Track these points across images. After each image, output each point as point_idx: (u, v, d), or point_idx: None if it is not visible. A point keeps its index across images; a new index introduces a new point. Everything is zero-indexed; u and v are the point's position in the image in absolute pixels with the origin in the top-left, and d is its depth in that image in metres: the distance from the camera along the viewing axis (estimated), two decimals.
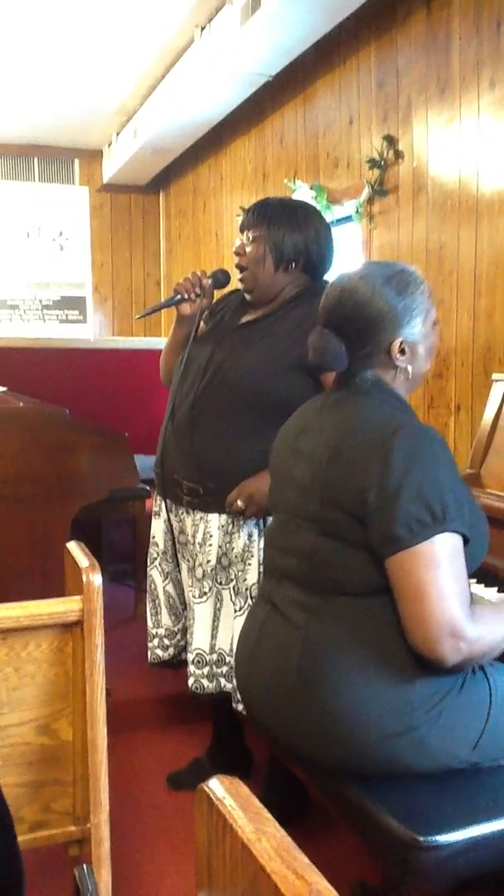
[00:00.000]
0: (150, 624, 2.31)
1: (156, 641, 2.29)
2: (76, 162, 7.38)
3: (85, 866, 1.08)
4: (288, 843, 0.67)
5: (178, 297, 2.17)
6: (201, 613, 2.09)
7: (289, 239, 2.06)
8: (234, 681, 1.89)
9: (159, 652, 2.29)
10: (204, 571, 2.08)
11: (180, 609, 2.26)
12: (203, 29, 4.56)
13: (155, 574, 2.29)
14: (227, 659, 2.08)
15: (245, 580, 2.06)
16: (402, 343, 1.49)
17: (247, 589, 2.05)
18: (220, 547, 2.08)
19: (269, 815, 0.71)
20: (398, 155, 3.56)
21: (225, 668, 2.09)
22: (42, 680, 1.45)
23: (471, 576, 1.89)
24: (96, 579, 1.44)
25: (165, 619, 2.28)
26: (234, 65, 4.37)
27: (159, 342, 4.23)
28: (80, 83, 5.53)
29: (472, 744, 1.39)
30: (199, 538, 2.10)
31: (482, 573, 1.92)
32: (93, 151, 7.28)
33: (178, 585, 2.25)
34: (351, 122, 4.00)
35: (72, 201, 7.34)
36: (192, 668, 2.11)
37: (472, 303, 3.13)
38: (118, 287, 7.57)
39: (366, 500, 1.36)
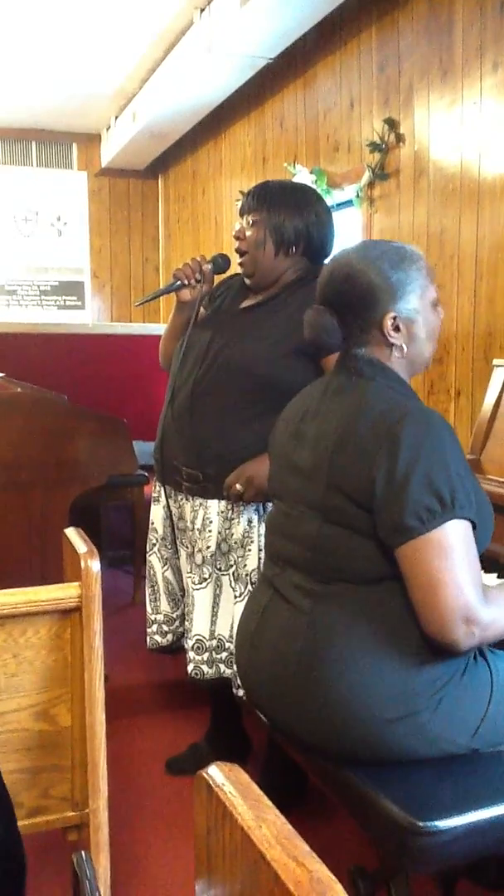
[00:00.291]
0: (148, 610, 2.31)
1: (154, 627, 2.29)
2: (74, 146, 7.33)
3: (83, 852, 1.08)
4: (288, 830, 0.66)
5: (178, 283, 2.15)
6: (201, 599, 2.09)
7: (289, 222, 2.04)
8: (234, 666, 1.89)
9: (158, 638, 2.29)
10: (203, 557, 2.08)
11: (179, 595, 2.26)
12: (202, 11, 4.52)
13: (154, 560, 2.29)
14: (227, 645, 2.08)
15: (245, 566, 2.05)
16: (395, 318, 1.47)
17: (247, 575, 2.05)
18: (219, 533, 2.07)
19: (269, 803, 0.71)
20: (399, 138, 3.53)
21: (224, 654, 2.09)
22: (40, 666, 1.45)
23: None
24: (95, 565, 1.43)
25: (164, 605, 2.27)
26: (234, 47, 4.33)
27: (158, 328, 4.22)
28: (78, 67, 5.49)
29: (473, 730, 1.39)
30: (198, 524, 2.09)
31: (483, 559, 1.91)
32: (91, 136, 7.23)
33: (178, 572, 2.25)
34: (352, 106, 3.96)
35: (70, 186, 7.30)
36: (191, 654, 2.11)
37: (472, 287, 3.12)
38: (116, 272, 7.54)
39: (373, 489, 1.34)
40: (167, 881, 1.93)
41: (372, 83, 3.76)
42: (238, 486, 1.97)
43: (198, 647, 2.10)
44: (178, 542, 2.22)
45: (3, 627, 1.41)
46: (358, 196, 3.83)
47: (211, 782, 0.74)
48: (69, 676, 1.47)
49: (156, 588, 2.29)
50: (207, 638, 2.10)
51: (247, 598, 1.89)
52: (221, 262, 2.20)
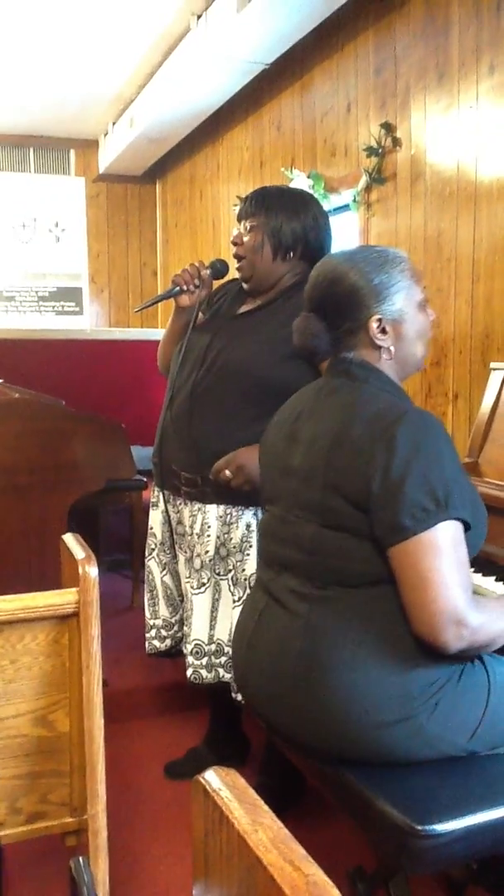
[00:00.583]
0: (147, 615, 2.31)
1: (153, 632, 2.29)
2: (72, 152, 7.34)
3: (81, 858, 1.07)
4: (284, 834, 0.67)
5: (177, 288, 2.15)
6: (199, 604, 2.09)
7: (287, 226, 2.05)
8: (232, 672, 1.89)
9: (157, 643, 2.29)
10: (202, 562, 2.07)
11: (178, 600, 2.26)
12: (199, 17, 4.53)
13: (153, 565, 2.29)
14: (226, 649, 2.08)
15: (243, 570, 2.05)
16: (380, 320, 1.48)
17: (245, 579, 2.04)
18: (218, 537, 2.07)
19: (265, 807, 0.71)
20: (396, 142, 3.54)
21: (223, 659, 2.09)
22: (38, 672, 1.45)
23: (470, 564, 1.89)
24: (92, 571, 1.43)
25: (163, 610, 2.27)
26: (231, 52, 4.34)
27: (156, 333, 4.22)
28: (76, 72, 5.50)
29: (470, 732, 1.39)
30: (196, 529, 2.09)
31: (481, 562, 1.91)
32: (89, 141, 7.24)
33: (176, 576, 2.25)
34: (349, 110, 3.97)
35: (68, 192, 7.31)
36: (190, 658, 2.11)
37: (470, 290, 3.12)
38: (114, 277, 7.55)
39: (369, 489, 1.35)
40: (165, 886, 1.92)
41: (369, 87, 3.77)
42: (227, 472, 1.96)
43: (196, 652, 2.10)
44: (176, 547, 2.22)
45: (1, 633, 1.41)
46: (355, 200, 3.83)
47: (208, 787, 0.74)
48: (67, 682, 1.46)
49: (154, 593, 2.29)
50: (206, 642, 2.09)
51: (247, 597, 1.89)
52: (220, 268, 2.20)
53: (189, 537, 2.12)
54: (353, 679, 1.37)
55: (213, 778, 0.75)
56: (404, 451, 1.33)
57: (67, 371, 4.43)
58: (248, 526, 2.05)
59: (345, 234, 3.93)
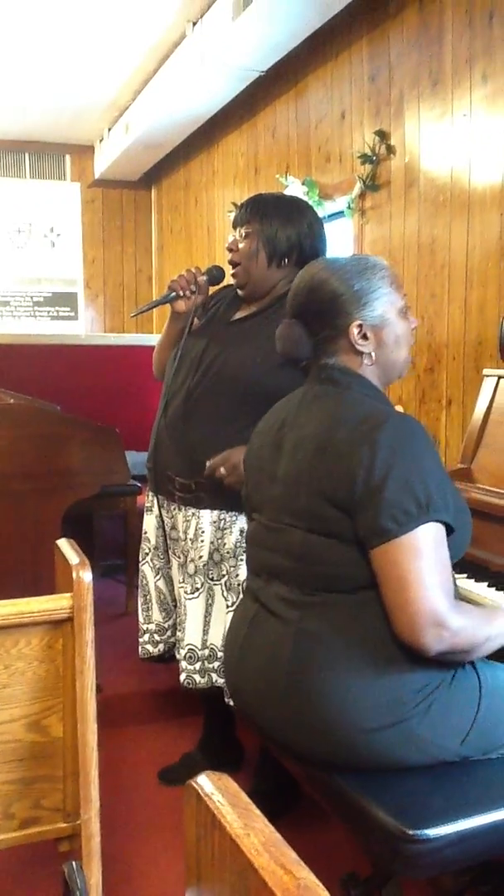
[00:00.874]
0: (141, 619, 2.31)
1: (146, 637, 2.29)
2: (67, 158, 7.35)
3: (74, 862, 1.08)
4: (276, 838, 0.67)
5: (173, 294, 2.16)
6: (193, 609, 2.09)
7: (282, 233, 2.05)
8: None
9: (149, 647, 2.29)
10: (196, 567, 2.08)
11: (171, 605, 2.26)
12: (195, 24, 4.55)
13: (146, 570, 2.29)
14: (219, 654, 2.08)
15: (237, 576, 2.06)
16: (360, 326, 1.50)
17: (238, 584, 2.05)
18: (212, 543, 2.07)
19: (257, 811, 0.71)
20: (390, 150, 3.56)
21: (217, 664, 2.09)
22: (32, 677, 1.45)
23: (462, 570, 1.90)
24: (86, 576, 1.43)
25: (156, 614, 2.28)
26: (226, 59, 4.36)
27: (151, 338, 4.23)
28: (72, 78, 5.51)
29: (462, 737, 1.39)
30: (190, 534, 2.09)
31: (473, 568, 1.92)
32: (84, 147, 7.25)
33: (170, 581, 2.25)
34: (343, 117, 3.99)
35: (63, 197, 7.32)
36: (183, 663, 2.11)
37: (463, 297, 3.14)
38: (110, 283, 7.56)
39: (353, 492, 1.36)
40: (158, 890, 1.92)
41: (363, 94, 3.79)
42: (222, 470, 1.97)
43: (190, 657, 2.10)
44: (170, 552, 2.22)
45: None
46: (349, 207, 3.85)
47: (200, 791, 0.75)
48: (61, 687, 1.46)
49: (148, 597, 2.29)
50: (199, 647, 2.10)
51: (237, 605, 1.90)
52: (216, 274, 2.21)
53: (183, 542, 2.13)
54: (343, 684, 1.37)
55: (205, 782, 0.75)
56: (385, 455, 1.34)
57: (62, 376, 4.44)
58: (242, 531, 2.05)
59: (339, 241, 3.95)
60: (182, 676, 2.12)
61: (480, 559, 1.95)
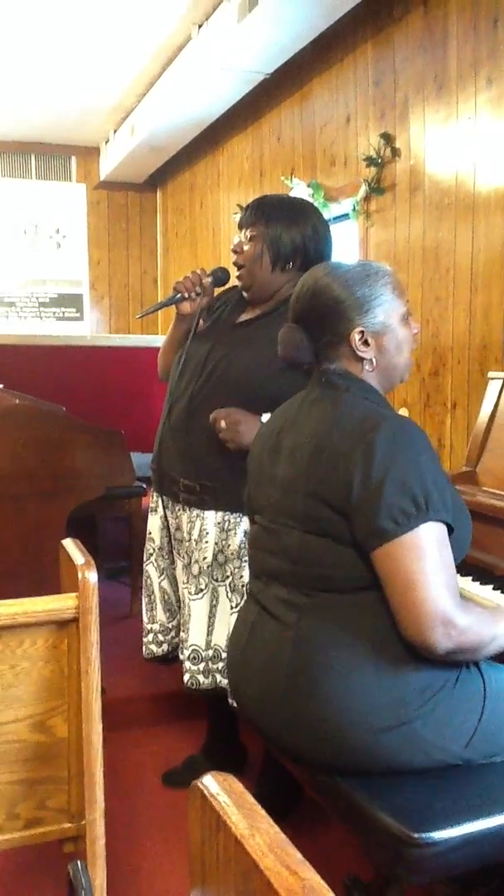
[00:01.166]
0: (145, 619, 2.32)
1: (150, 637, 2.30)
2: (73, 159, 7.37)
3: (79, 863, 1.08)
4: (281, 839, 0.67)
5: (179, 295, 2.16)
6: (197, 610, 2.10)
7: (286, 236, 2.05)
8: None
9: (153, 647, 2.29)
10: (200, 568, 2.08)
11: (175, 606, 2.27)
12: (200, 26, 4.55)
13: (151, 570, 2.29)
14: (223, 655, 2.08)
15: (241, 577, 2.06)
16: (362, 332, 1.50)
17: (243, 586, 2.05)
18: (216, 544, 2.08)
19: (262, 812, 0.71)
20: (395, 153, 3.56)
21: (220, 665, 2.09)
22: (37, 677, 1.45)
23: (466, 573, 1.90)
24: (92, 576, 1.43)
25: (160, 614, 2.28)
26: (232, 62, 4.37)
27: (156, 340, 4.23)
28: (78, 80, 5.53)
29: (466, 740, 1.39)
30: (195, 535, 2.10)
31: (478, 571, 1.92)
32: (90, 149, 7.27)
33: (174, 582, 2.25)
34: (348, 120, 3.99)
35: (69, 199, 7.34)
36: (187, 664, 2.11)
37: (468, 300, 3.14)
38: (115, 284, 7.57)
39: (350, 494, 1.36)
40: (163, 890, 1.92)
41: (368, 98, 3.80)
42: (222, 423, 1.96)
43: (194, 658, 2.10)
44: (174, 553, 2.22)
45: (0, 638, 1.41)
46: (354, 210, 3.85)
47: (205, 792, 0.75)
48: (66, 688, 1.47)
49: (152, 598, 2.30)
50: (203, 648, 2.10)
51: (240, 609, 1.90)
52: (221, 276, 2.21)
53: (187, 543, 2.13)
54: (344, 685, 1.37)
55: (210, 783, 0.75)
56: (382, 456, 1.35)
57: (67, 377, 4.44)
58: (246, 532, 2.05)
59: (344, 244, 3.95)
60: (186, 677, 2.12)
61: (485, 563, 1.95)
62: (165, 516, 2.22)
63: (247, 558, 2.04)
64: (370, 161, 3.65)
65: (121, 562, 3.93)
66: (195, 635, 2.10)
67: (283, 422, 1.58)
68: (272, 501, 1.53)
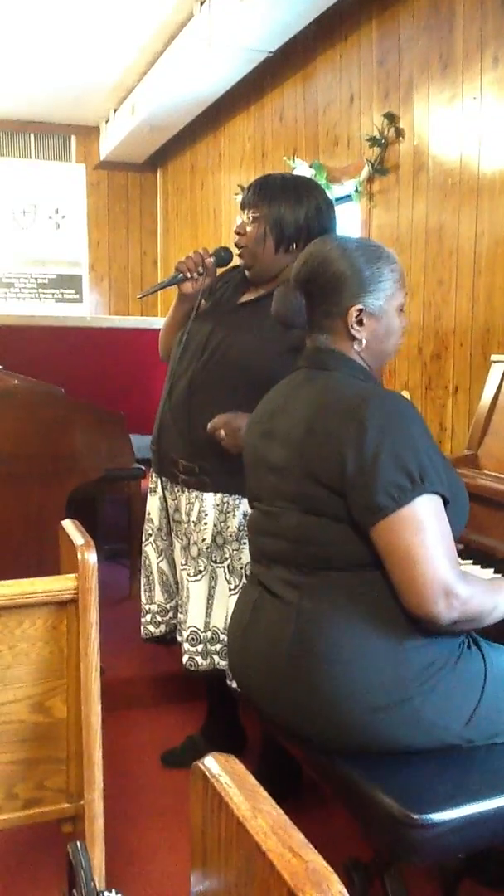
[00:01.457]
0: (143, 599, 2.32)
1: (148, 617, 2.30)
2: (73, 139, 7.30)
3: (78, 843, 1.08)
4: (284, 821, 0.67)
5: (181, 275, 2.15)
6: (196, 592, 2.09)
7: (290, 216, 2.03)
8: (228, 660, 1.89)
9: (151, 628, 2.30)
10: (199, 550, 2.08)
11: (173, 586, 2.27)
12: (202, 3, 4.50)
13: (150, 550, 2.29)
14: (221, 636, 2.08)
15: (240, 559, 2.05)
16: (360, 311, 1.50)
17: (241, 568, 2.05)
18: (215, 525, 2.07)
19: (265, 793, 0.71)
20: (399, 133, 3.52)
21: (219, 646, 2.09)
22: (36, 658, 1.45)
23: (468, 556, 1.89)
24: (91, 557, 1.43)
25: (158, 595, 2.28)
26: (234, 40, 4.32)
27: (156, 321, 4.20)
28: (78, 59, 5.47)
29: (466, 718, 1.39)
30: (193, 517, 2.09)
31: (479, 554, 1.92)
32: (90, 128, 7.20)
33: (173, 563, 2.25)
34: (351, 100, 3.95)
35: (68, 179, 7.28)
36: (185, 645, 2.11)
37: (471, 283, 3.11)
38: (115, 266, 7.52)
39: (344, 472, 1.37)
40: (162, 872, 1.93)
41: (372, 77, 3.75)
42: (222, 433, 1.96)
43: (192, 639, 2.10)
44: (173, 534, 2.22)
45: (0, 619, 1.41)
46: (357, 191, 3.82)
47: (207, 773, 0.74)
48: (65, 668, 1.47)
49: (151, 578, 2.30)
50: (202, 629, 2.10)
51: (241, 590, 1.89)
52: (224, 255, 2.19)
53: (186, 525, 2.13)
54: (345, 662, 1.37)
55: (212, 764, 0.75)
56: (374, 433, 1.35)
57: (67, 359, 4.42)
58: (245, 515, 2.05)
59: (346, 225, 3.92)
60: (184, 659, 2.12)
61: (486, 546, 1.94)
62: (164, 497, 2.21)
63: (245, 540, 2.04)
64: (373, 141, 3.62)
65: (120, 543, 3.93)
66: (193, 617, 2.10)
67: (275, 406, 1.59)
68: (269, 485, 1.53)
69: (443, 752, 1.40)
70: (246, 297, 2.14)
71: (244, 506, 2.05)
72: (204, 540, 2.07)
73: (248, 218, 2.08)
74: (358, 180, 3.79)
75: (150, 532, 2.29)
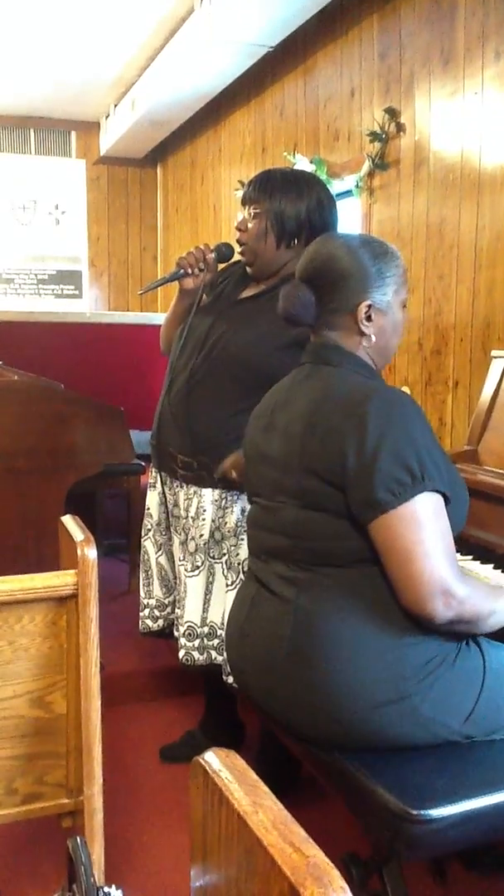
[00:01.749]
0: (141, 594, 2.32)
1: (146, 612, 2.30)
2: (73, 134, 7.28)
3: (78, 838, 1.08)
4: (285, 816, 0.66)
5: (182, 271, 2.15)
6: (193, 587, 2.09)
7: (291, 211, 2.03)
8: (225, 655, 1.89)
9: (149, 622, 2.30)
10: (197, 545, 2.08)
11: (172, 581, 2.27)
12: None
13: (148, 545, 2.29)
14: (219, 632, 2.09)
15: (238, 555, 2.05)
16: (369, 306, 1.50)
17: (239, 564, 2.05)
18: (213, 521, 2.07)
19: (265, 788, 0.71)
20: (400, 128, 3.51)
21: (216, 641, 2.09)
22: (36, 653, 1.44)
23: (468, 552, 1.89)
24: (91, 553, 1.43)
25: (157, 590, 2.28)
26: (235, 35, 4.30)
27: (155, 317, 4.20)
28: (78, 54, 5.45)
29: (465, 715, 1.39)
30: (192, 512, 2.09)
31: (479, 550, 1.92)
32: (90, 123, 7.18)
33: (172, 557, 2.25)
34: (352, 95, 3.94)
35: (68, 174, 7.26)
36: (182, 640, 2.11)
37: (471, 278, 3.11)
38: (115, 261, 7.51)
39: (344, 467, 1.36)
40: (162, 867, 1.93)
41: (373, 72, 3.74)
42: (233, 474, 1.96)
43: (189, 634, 2.10)
44: (171, 529, 2.22)
45: None
46: (358, 186, 3.81)
47: (207, 768, 0.74)
48: (65, 663, 1.46)
49: (149, 573, 2.30)
50: (199, 625, 2.10)
51: (239, 586, 1.90)
52: (225, 251, 2.19)
53: (184, 520, 2.13)
54: (343, 660, 1.37)
55: (213, 759, 0.75)
56: (375, 428, 1.35)
57: (66, 354, 4.42)
58: (244, 510, 2.05)
59: (347, 220, 3.91)
60: (181, 653, 2.12)
61: (486, 542, 1.94)
62: (164, 492, 2.21)
63: (243, 536, 2.04)
64: (374, 136, 3.60)
65: (120, 538, 3.93)
66: (191, 612, 2.10)
67: (276, 400, 1.59)
68: (269, 480, 1.53)
69: (441, 749, 1.40)
70: (247, 293, 2.14)
71: (242, 501, 2.05)
72: (202, 535, 2.07)
73: (250, 214, 2.07)
74: (359, 175, 3.78)
75: (150, 527, 2.29)
